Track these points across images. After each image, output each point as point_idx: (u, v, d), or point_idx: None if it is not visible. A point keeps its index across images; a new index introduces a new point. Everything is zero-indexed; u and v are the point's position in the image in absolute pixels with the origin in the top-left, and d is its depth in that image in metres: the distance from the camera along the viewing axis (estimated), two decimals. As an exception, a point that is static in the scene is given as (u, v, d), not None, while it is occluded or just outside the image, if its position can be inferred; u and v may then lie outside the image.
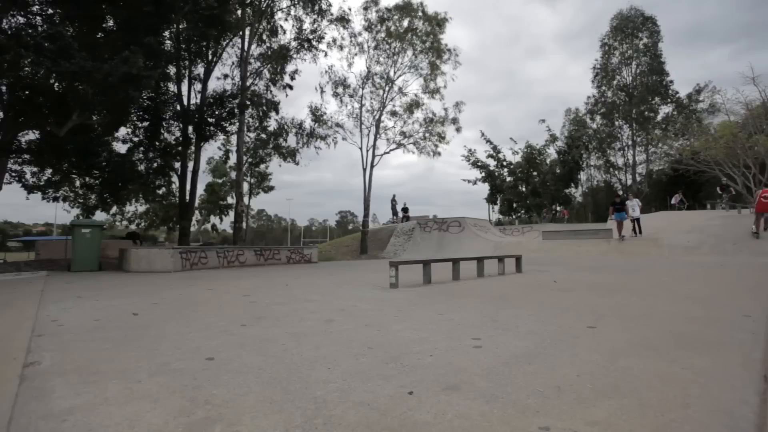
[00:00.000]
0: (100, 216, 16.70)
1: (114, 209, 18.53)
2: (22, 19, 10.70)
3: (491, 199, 29.52)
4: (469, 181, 29.24)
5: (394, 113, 21.03)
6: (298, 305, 3.88)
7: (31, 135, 12.61)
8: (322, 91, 19.94)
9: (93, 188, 14.60)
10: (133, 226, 25.22)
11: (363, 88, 20.37)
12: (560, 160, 27.68)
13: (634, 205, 15.54)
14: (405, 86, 21.03)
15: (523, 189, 28.50)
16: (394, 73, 20.52)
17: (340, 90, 20.32)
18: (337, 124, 20.40)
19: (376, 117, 20.35)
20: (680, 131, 30.19)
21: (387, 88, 20.39)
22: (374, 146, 20.08)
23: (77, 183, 14.62)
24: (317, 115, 19.68)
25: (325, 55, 19.11)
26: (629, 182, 37.93)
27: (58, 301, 4.35)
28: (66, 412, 1.40)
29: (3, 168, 11.76)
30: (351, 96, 20.43)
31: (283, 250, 12.96)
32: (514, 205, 29.25)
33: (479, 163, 28.74)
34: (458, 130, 21.80)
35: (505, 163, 28.93)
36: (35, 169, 13.17)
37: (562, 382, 1.66)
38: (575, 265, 9.13)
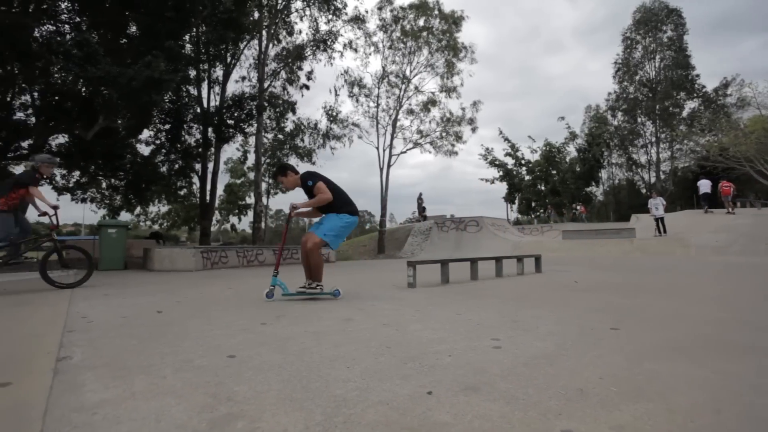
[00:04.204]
0: (124, 216, 17.26)
1: (138, 210, 19.12)
2: (51, 27, 11.12)
3: (509, 198, 29.15)
4: (486, 180, 28.99)
5: (410, 111, 20.97)
6: (317, 304, 3.91)
7: (61, 139, 13.11)
8: (337, 94, 20.05)
9: (118, 189, 15.10)
10: (156, 227, 25.96)
11: (379, 88, 20.40)
12: (580, 158, 27.12)
13: (657, 204, 15.11)
14: (421, 84, 20.94)
15: (542, 188, 28.02)
16: (410, 71, 20.45)
17: (355, 90, 20.41)
18: (354, 124, 20.48)
19: (393, 116, 20.33)
20: (707, 127, 29.17)
21: (403, 87, 20.35)
22: (391, 146, 20.11)
23: (103, 184, 15.15)
24: (332, 116, 19.80)
25: (341, 56, 19.25)
26: (653, 180, 36.86)
27: (87, 299, 4.51)
28: (96, 405, 1.45)
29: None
30: (367, 96, 20.48)
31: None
32: (533, 204, 28.78)
33: (497, 162, 28.43)
34: (474, 129, 21.60)
35: (523, 162, 28.52)
36: (64, 172, 13.69)
37: (585, 384, 1.62)
38: (597, 265, 8.93)
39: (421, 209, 23.25)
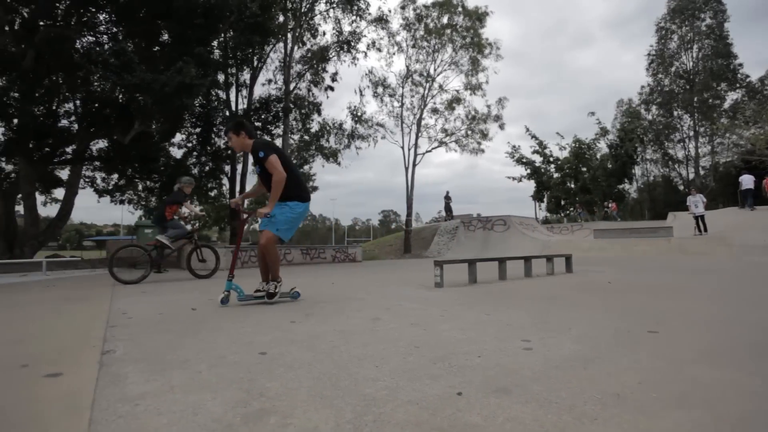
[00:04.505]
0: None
1: (171, 210, 19.83)
2: (91, 39, 11.72)
3: (537, 197, 28.44)
4: (513, 179, 28.36)
5: (435, 110, 20.82)
6: (345, 303, 3.95)
7: (101, 144, 13.79)
8: (362, 94, 20.12)
9: (153, 191, 15.75)
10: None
11: (403, 87, 20.36)
12: (612, 154, 26.13)
13: (697, 201, 14.41)
14: (446, 83, 20.74)
15: (572, 185, 27.18)
16: (434, 70, 20.30)
17: (380, 90, 20.44)
18: (378, 124, 20.51)
19: (417, 115, 20.24)
20: (752, 119, 27.47)
21: (427, 86, 20.22)
22: (416, 145, 20.03)
23: (139, 186, 15.82)
24: (357, 116, 19.90)
25: (365, 56, 19.32)
26: (691, 176, 35.10)
27: (127, 296, 4.73)
28: (139, 397, 1.52)
29: (78, 174, 12.96)
30: (391, 95, 20.47)
31: (328, 249, 13.26)
32: (563, 202, 27.97)
33: (524, 160, 27.78)
34: (501, 126, 21.21)
35: (551, 159, 27.75)
36: (104, 175, 14.40)
37: (622, 389, 1.56)
38: (632, 265, 8.59)
39: (449, 208, 23.01)
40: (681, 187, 35.03)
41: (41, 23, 10.88)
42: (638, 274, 6.64)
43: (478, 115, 20.71)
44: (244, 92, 17.12)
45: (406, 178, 19.64)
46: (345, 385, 1.63)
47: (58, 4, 11.00)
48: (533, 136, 27.52)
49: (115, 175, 14.60)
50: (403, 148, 19.91)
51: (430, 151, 21.13)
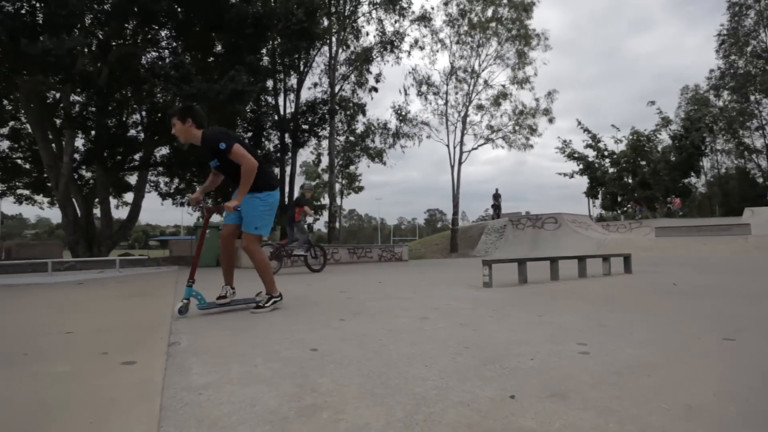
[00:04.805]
0: (215, 218, 19.06)
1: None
2: (155, 54, 12.69)
3: (591, 193, 26.86)
4: (564, 175, 26.97)
5: (480, 107, 20.36)
6: (392, 302, 3.97)
7: (164, 151, 14.89)
8: (406, 93, 20.10)
9: (209, 194, 16.73)
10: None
11: (447, 84, 20.08)
12: (675, 146, 24.07)
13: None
14: (491, 78, 20.21)
15: (629, 180, 25.40)
16: (479, 65, 19.84)
17: (423, 88, 20.30)
18: (423, 122, 20.39)
19: (462, 112, 19.89)
20: None
21: (472, 82, 19.80)
22: (461, 142, 19.71)
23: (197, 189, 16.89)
24: (402, 115, 19.90)
25: (408, 55, 19.31)
26: (772, 167, 31.54)
27: (188, 292, 5.07)
28: (202, 387, 1.63)
29: (144, 179, 14.08)
30: (435, 93, 20.26)
31: (374, 249, 13.41)
32: (619, 198, 26.23)
33: (576, 155, 26.36)
34: (551, 121, 20.33)
35: (606, 153, 26.09)
36: (167, 179, 15.53)
37: (694, 400, 1.44)
38: (700, 266, 7.89)
39: (497, 206, 22.51)
40: (760, 180, 31.61)
41: (113, 43, 11.95)
42: (709, 276, 6.08)
43: (526, 109, 19.99)
44: (292, 96, 17.76)
45: (452, 176, 19.37)
46: (395, 384, 1.64)
47: (127, 25, 12.02)
48: (585, 130, 26.05)
49: (176, 180, 15.72)
50: (448, 146, 19.66)
51: (476, 148, 20.66)
